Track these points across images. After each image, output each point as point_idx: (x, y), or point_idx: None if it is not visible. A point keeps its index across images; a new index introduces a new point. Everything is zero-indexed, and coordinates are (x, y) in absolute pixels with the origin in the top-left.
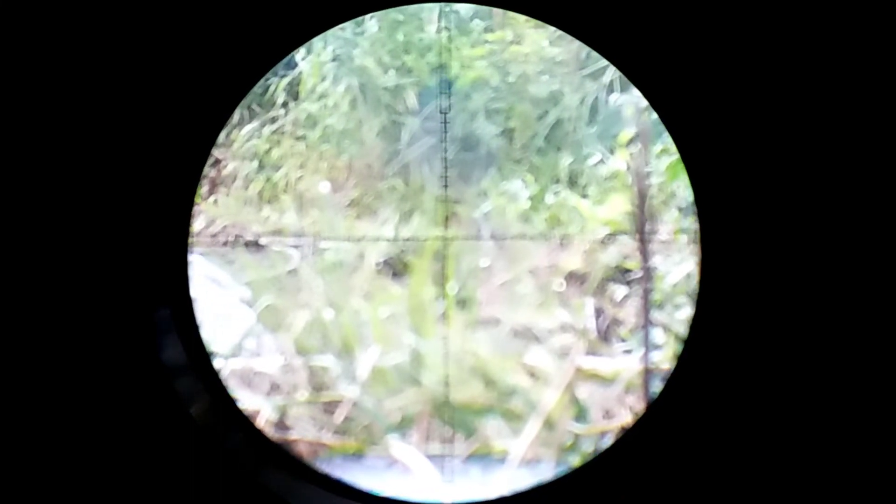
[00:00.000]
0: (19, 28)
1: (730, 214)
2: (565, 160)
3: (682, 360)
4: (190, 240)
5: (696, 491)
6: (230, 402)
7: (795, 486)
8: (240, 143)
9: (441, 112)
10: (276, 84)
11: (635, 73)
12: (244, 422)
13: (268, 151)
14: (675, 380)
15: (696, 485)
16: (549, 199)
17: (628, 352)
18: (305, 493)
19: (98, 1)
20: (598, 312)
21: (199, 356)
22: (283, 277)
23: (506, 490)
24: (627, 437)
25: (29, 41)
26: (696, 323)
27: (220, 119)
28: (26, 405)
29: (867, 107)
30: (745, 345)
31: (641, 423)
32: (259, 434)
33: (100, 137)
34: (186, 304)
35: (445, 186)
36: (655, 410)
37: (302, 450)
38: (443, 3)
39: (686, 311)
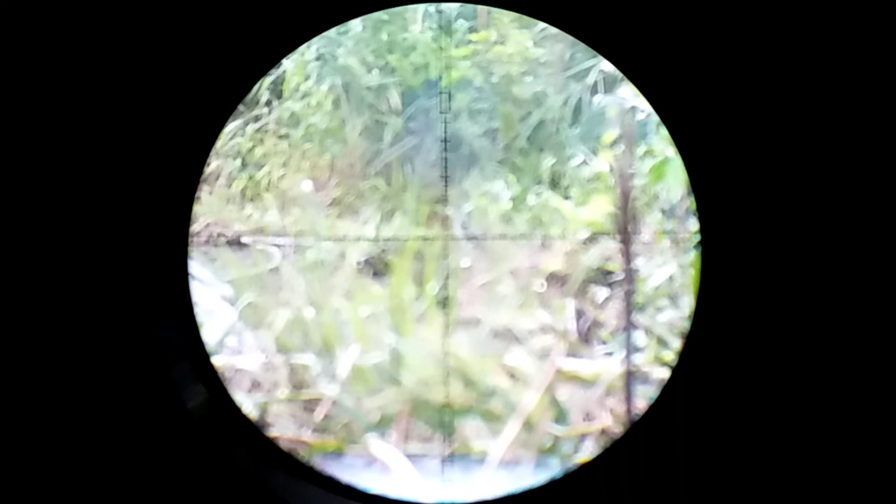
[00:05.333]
0: (19, 28)
1: (728, 210)
2: (548, 161)
3: (681, 361)
4: (190, 240)
5: (694, 493)
6: (229, 400)
7: (794, 486)
8: (223, 141)
9: (441, 112)
10: (260, 83)
11: (631, 69)
12: (243, 420)
13: (251, 150)
14: (673, 382)
15: (695, 487)
16: (531, 199)
17: (609, 354)
18: (305, 492)
19: (97, 4)
20: (579, 314)
21: (198, 353)
22: (264, 276)
23: (503, 491)
24: (623, 441)
25: (29, 42)
26: (696, 324)
27: (217, 123)
28: (24, 401)
29: (866, 100)
30: (744, 347)
31: (638, 427)
32: (258, 433)
33: (98, 140)
34: (186, 303)
35: (445, 186)
36: (652, 413)
37: (281, 447)
38: (430, 3)
39: (668, 314)
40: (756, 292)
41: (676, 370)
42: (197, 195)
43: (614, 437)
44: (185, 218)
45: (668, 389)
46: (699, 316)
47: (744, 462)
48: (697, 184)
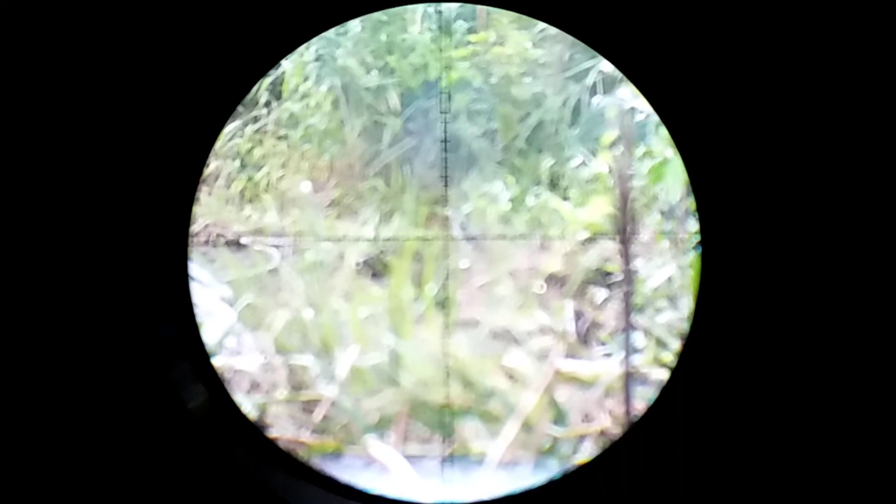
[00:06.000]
0: (19, 28)
1: (728, 210)
2: (547, 162)
3: (681, 362)
4: (190, 240)
5: (693, 494)
6: (229, 401)
7: (794, 487)
8: (222, 142)
9: (441, 112)
10: (259, 84)
11: (631, 69)
12: (243, 420)
13: (250, 151)
14: (672, 383)
15: (694, 487)
16: (530, 200)
17: (608, 355)
18: (305, 492)
19: (98, 4)
20: (578, 315)
21: (198, 354)
22: (263, 277)
23: (502, 492)
24: (622, 442)
25: (29, 43)
26: (695, 325)
27: (217, 124)
28: (25, 401)
29: (866, 100)
30: (744, 348)
31: (637, 428)
32: (258, 433)
33: (98, 141)
34: (186, 303)
35: (445, 186)
36: (652, 414)
37: (281, 447)
38: (429, 4)
39: (667, 315)
40: (756, 293)
41: (676, 371)
42: (196, 196)
43: (613, 438)
44: (185, 218)
45: (668, 390)
46: (699, 317)
47: (743, 463)
48: (697, 184)
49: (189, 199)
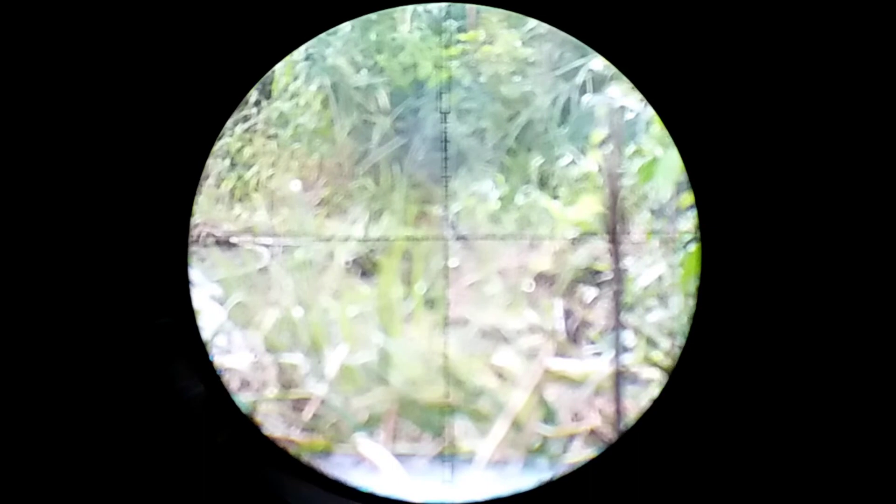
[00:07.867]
0: (19, 28)
1: (727, 205)
2: (536, 161)
3: (682, 360)
4: (189, 239)
5: (694, 492)
6: (229, 401)
7: (793, 489)
8: None
9: (441, 112)
10: None
11: (627, 65)
12: (243, 420)
13: (240, 150)
14: (674, 381)
15: (695, 486)
16: (520, 199)
17: (598, 354)
18: (305, 492)
19: (97, 6)
20: (568, 314)
21: (197, 351)
22: (253, 275)
23: (505, 490)
24: (623, 441)
25: (29, 43)
26: (695, 324)
27: (217, 125)
28: (24, 400)
29: (866, 91)
30: (743, 348)
31: (637, 426)
32: (258, 433)
33: (98, 142)
34: (185, 299)
35: (445, 186)
36: (653, 412)
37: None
38: (420, 3)
39: (657, 314)
40: (755, 289)
41: (675, 370)
42: (196, 196)
43: (610, 441)
44: (185, 218)
45: (667, 389)
46: (698, 314)
47: (741, 464)
48: (695, 179)
49: (189, 199)
